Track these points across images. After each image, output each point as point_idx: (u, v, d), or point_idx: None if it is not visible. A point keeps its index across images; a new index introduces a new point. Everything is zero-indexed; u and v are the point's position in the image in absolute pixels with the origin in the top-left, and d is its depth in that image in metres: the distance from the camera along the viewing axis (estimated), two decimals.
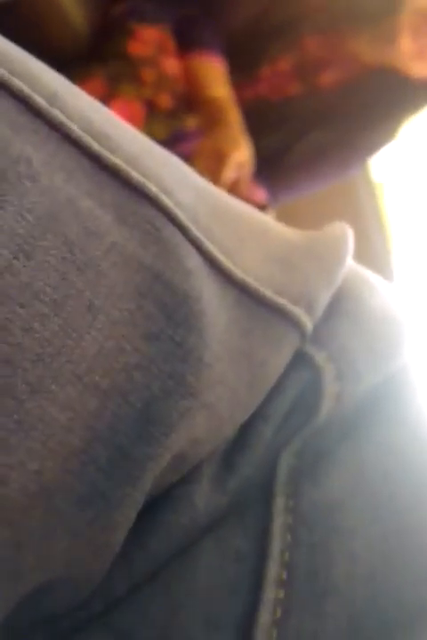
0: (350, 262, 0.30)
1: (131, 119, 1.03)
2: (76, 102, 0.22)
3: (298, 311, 0.26)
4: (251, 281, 0.25)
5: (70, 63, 1.01)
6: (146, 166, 0.23)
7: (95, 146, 0.22)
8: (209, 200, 0.26)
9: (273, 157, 1.19)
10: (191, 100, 1.10)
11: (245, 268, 0.25)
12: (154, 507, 0.25)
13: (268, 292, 0.25)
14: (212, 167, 1.05)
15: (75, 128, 0.22)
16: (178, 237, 0.23)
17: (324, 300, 0.28)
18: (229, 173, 1.06)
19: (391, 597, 0.25)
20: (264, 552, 0.25)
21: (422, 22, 1.08)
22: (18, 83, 0.21)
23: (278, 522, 0.26)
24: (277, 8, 1.14)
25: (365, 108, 1.19)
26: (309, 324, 0.27)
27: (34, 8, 0.97)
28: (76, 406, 0.21)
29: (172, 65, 1.09)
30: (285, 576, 0.25)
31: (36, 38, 0.84)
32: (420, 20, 1.08)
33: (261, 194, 1.18)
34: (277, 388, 0.27)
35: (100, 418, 0.21)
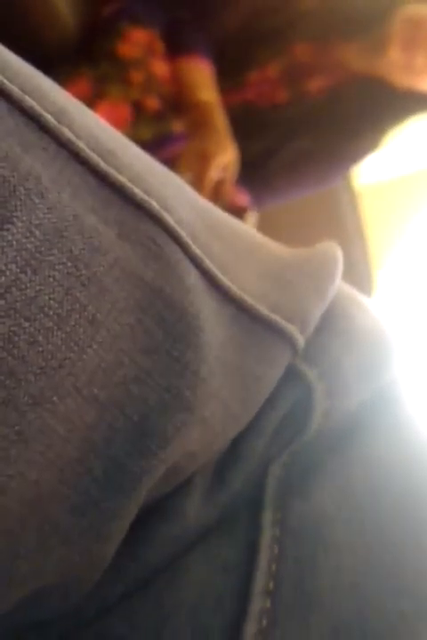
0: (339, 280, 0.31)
1: (117, 120, 1.03)
2: (83, 120, 0.23)
3: (292, 328, 0.27)
4: (247, 298, 0.26)
5: (59, 63, 1.01)
6: (148, 184, 0.23)
7: (102, 164, 0.22)
8: (207, 218, 0.27)
9: (258, 163, 1.19)
10: (178, 102, 1.10)
11: (242, 285, 0.26)
12: (146, 517, 0.25)
13: (263, 310, 0.26)
14: (196, 168, 1.04)
15: (83, 146, 0.22)
16: (178, 254, 0.23)
17: (316, 317, 0.28)
18: (213, 175, 1.06)
19: (374, 609, 0.26)
20: (252, 563, 0.26)
21: (414, 33, 1.08)
22: (29, 100, 0.21)
23: (266, 534, 0.26)
24: (267, 14, 1.14)
25: (350, 117, 1.19)
26: (301, 340, 0.27)
27: (24, 7, 0.97)
28: (74, 418, 0.21)
29: (160, 67, 1.09)
30: (271, 586, 0.25)
31: (25, 37, 0.84)
32: (411, 31, 1.08)
33: (243, 198, 1.18)
34: (269, 404, 0.27)
35: (96, 430, 0.22)
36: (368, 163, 1.30)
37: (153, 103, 1.07)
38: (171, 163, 1.02)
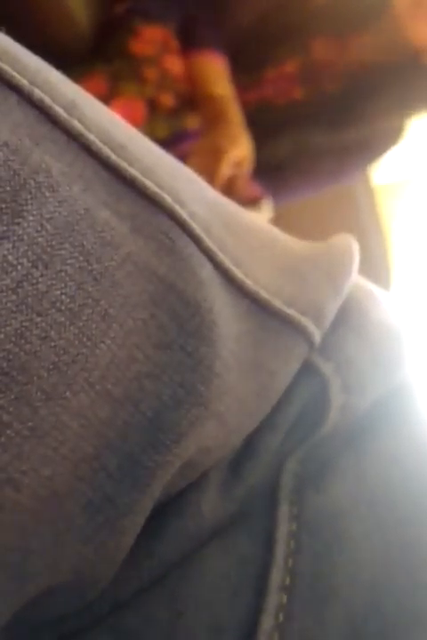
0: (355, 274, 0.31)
1: (132, 118, 1.03)
2: (93, 113, 0.23)
3: (307, 322, 0.26)
4: (262, 292, 0.25)
5: (73, 61, 1.01)
6: (160, 177, 0.23)
7: (113, 157, 0.22)
8: (220, 211, 0.26)
9: (275, 160, 1.19)
10: (193, 97, 1.10)
11: (256, 279, 0.25)
12: (162, 512, 0.25)
13: (278, 304, 0.26)
14: (209, 163, 1.04)
15: (93, 139, 0.22)
16: (191, 248, 0.23)
17: (331, 311, 0.28)
18: (226, 170, 1.06)
19: (391, 604, 0.26)
20: (268, 558, 0.26)
21: None
22: (38, 93, 0.21)
23: (283, 528, 0.26)
24: (282, 10, 1.14)
25: (367, 113, 1.19)
26: (317, 335, 0.27)
27: (38, 5, 0.97)
28: (88, 414, 0.21)
29: (174, 64, 1.09)
30: (288, 581, 0.25)
31: (39, 36, 0.84)
32: None
33: (255, 189, 1.18)
34: (284, 399, 0.27)
35: (111, 425, 0.22)
36: (386, 163, 1.29)
37: (168, 100, 1.07)
38: (186, 159, 1.02)
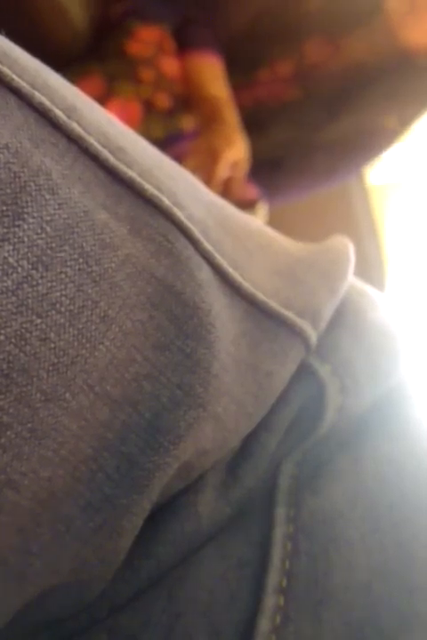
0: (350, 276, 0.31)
1: (128, 118, 1.03)
2: (92, 115, 0.23)
3: (304, 324, 0.27)
4: (259, 294, 0.26)
5: (69, 61, 1.01)
6: (159, 179, 0.23)
7: (112, 159, 0.22)
8: (218, 213, 0.27)
9: (269, 161, 1.19)
10: (189, 98, 1.10)
11: (254, 281, 0.26)
12: (159, 515, 0.25)
13: (275, 306, 0.26)
14: (205, 165, 1.04)
15: (92, 141, 0.22)
16: (190, 250, 0.23)
17: (328, 312, 0.28)
18: (223, 172, 1.06)
19: (387, 606, 0.26)
20: (265, 560, 0.26)
21: None
22: (38, 96, 0.21)
23: (279, 531, 0.26)
24: (276, 12, 1.14)
25: (360, 112, 1.19)
26: (313, 336, 0.27)
27: (34, 6, 0.97)
28: (87, 415, 0.21)
29: (170, 65, 1.08)
30: (285, 583, 0.25)
31: (35, 36, 0.84)
32: None
33: (252, 191, 1.18)
34: (281, 400, 0.27)
35: (110, 427, 0.22)
36: (381, 164, 1.29)
37: (164, 101, 1.07)
38: (182, 160, 1.02)
